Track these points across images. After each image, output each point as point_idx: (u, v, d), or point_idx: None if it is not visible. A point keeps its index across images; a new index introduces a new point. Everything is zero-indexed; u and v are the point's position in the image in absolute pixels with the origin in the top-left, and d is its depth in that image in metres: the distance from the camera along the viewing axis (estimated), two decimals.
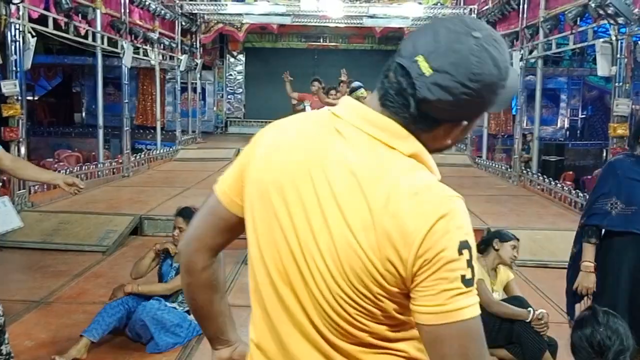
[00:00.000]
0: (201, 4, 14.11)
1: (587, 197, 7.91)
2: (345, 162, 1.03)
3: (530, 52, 10.14)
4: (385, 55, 17.61)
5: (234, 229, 1.23)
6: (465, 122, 1.06)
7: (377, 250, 0.99)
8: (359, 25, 14.92)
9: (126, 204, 7.66)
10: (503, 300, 3.72)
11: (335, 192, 1.03)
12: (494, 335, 3.59)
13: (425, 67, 0.98)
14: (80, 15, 8.55)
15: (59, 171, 7.86)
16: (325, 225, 1.03)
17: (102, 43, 9.44)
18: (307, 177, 1.06)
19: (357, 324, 1.05)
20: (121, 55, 10.06)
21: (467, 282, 0.98)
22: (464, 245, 0.98)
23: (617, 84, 7.02)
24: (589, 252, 3.08)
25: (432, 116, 1.02)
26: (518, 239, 3.79)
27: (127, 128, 10.47)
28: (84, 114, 17.94)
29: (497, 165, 11.69)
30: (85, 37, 9.01)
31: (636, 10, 6.40)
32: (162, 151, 12.52)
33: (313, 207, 1.05)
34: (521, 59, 10.27)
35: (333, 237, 1.02)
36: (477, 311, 0.99)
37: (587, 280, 3.06)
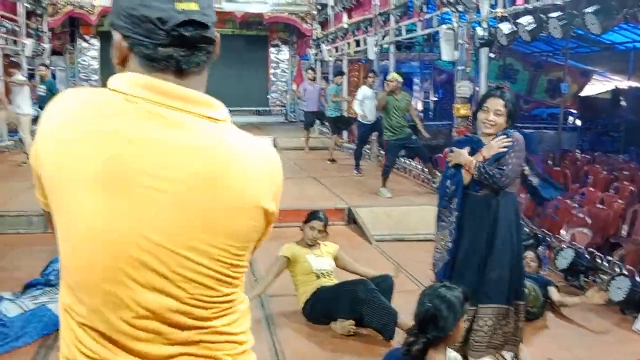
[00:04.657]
0: None
1: (439, 174, 8.57)
2: (178, 143, 1.01)
3: (383, 37, 10.63)
4: (247, 41, 17.67)
5: None
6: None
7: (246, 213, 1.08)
8: (218, 9, 14.69)
9: None
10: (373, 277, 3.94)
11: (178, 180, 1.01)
12: (340, 307, 3.74)
13: (193, 5, 1.02)
14: None
15: None
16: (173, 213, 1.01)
17: None
18: (136, 161, 0.99)
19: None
20: None
21: None
22: None
23: (459, 68, 7.60)
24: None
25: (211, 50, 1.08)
26: (321, 220, 4.00)
27: None
28: None
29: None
30: None
31: None
32: (8, 142, 11.59)
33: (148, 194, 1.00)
34: (376, 44, 10.74)
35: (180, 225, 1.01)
36: None
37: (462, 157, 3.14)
